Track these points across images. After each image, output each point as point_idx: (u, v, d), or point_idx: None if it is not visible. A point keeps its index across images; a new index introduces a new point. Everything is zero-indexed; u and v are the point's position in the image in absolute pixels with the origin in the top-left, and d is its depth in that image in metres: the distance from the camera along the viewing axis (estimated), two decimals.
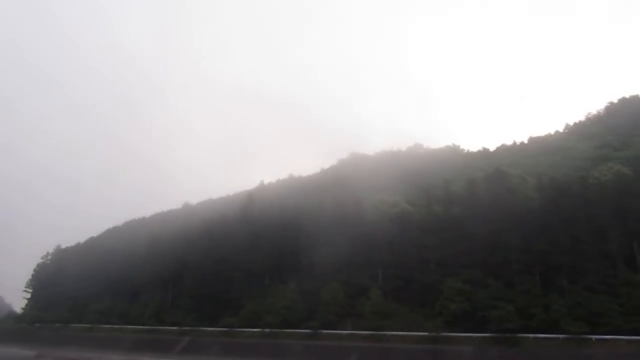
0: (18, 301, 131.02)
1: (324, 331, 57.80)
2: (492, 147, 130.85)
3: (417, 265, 61.63)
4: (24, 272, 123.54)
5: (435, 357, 46.97)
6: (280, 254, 72.39)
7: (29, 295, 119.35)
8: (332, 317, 59.69)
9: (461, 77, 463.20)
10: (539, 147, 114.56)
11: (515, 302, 50.20)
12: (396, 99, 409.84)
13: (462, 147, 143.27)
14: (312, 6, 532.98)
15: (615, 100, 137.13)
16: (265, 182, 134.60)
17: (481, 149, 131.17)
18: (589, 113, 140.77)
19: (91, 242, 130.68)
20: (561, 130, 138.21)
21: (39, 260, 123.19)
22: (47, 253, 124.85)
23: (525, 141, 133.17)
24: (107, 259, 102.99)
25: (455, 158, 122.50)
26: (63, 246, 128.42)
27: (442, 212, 67.90)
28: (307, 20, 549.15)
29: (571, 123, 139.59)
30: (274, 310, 63.91)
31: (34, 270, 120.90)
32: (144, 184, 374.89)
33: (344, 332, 56.90)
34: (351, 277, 64.85)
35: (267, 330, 61.91)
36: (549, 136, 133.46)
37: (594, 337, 43.73)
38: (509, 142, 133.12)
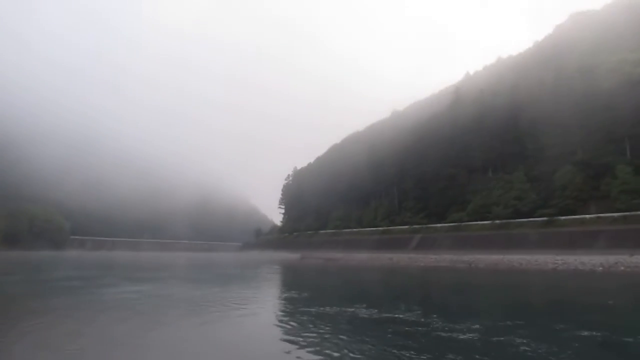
0: (276, 216, 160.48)
1: (563, 217, 53.50)
2: None
3: None
4: (276, 191, 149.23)
5: None
6: (501, 143, 68.20)
7: (282, 211, 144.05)
8: (570, 203, 54.56)
9: None
10: None
11: None
12: None
13: None
14: None
15: None
16: (471, 72, 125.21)
17: None
18: None
19: (319, 161, 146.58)
20: None
21: (284, 182, 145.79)
22: (288, 175, 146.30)
23: None
24: (335, 173, 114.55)
25: None
26: (298, 167, 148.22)
27: None
28: None
29: None
30: (503, 202, 61.93)
31: (282, 191, 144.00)
32: (357, 94, 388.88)
33: (588, 216, 51.55)
34: (590, 156, 57.01)
35: (497, 221, 60.73)
36: None
37: None
38: None
